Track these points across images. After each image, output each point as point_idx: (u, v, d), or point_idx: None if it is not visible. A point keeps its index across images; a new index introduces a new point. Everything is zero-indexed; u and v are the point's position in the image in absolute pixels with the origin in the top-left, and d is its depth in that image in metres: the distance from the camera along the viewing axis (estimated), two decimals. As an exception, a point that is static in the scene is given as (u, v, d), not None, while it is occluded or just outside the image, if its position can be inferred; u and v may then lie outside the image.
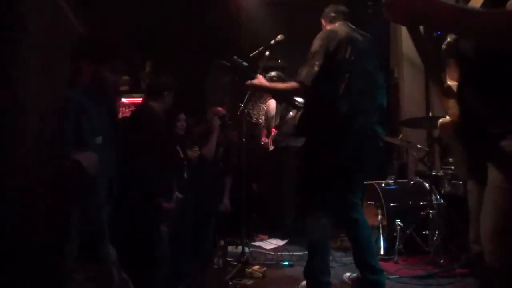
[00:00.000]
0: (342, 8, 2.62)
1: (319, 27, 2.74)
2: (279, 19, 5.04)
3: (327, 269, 2.43)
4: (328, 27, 2.56)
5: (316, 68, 2.32)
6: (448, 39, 1.31)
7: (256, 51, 3.11)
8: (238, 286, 2.83)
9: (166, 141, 2.77)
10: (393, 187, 3.77)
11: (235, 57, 2.86)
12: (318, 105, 2.42)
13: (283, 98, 2.91)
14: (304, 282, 2.68)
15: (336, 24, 2.53)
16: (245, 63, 2.82)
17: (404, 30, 4.87)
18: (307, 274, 2.46)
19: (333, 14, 2.60)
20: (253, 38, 4.98)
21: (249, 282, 2.88)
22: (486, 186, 1.20)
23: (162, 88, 2.84)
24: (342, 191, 2.47)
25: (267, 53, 3.07)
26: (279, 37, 3.09)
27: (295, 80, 2.41)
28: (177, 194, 2.84)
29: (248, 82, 2.63)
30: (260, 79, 2.62)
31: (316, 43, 2.38)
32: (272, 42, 3.08)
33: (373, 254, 2.48)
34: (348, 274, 2.91)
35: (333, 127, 2.36)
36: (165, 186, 2.67)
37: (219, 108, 4.06)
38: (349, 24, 2.55)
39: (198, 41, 5.50)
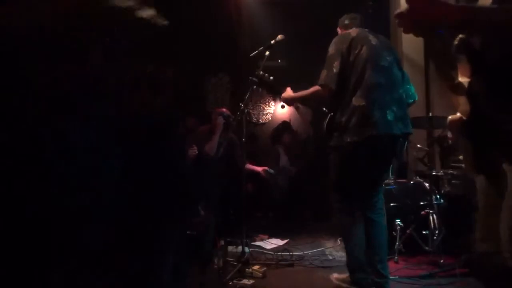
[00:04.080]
0: (355, 15, 2.73)
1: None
2: (279, 19, 5.03)
3: (362, 265, 2.47)
4: (347, 31, 2.63)
5: (335, 70, 2.41)
6: (460, 36, 1.29)
7: (256, 51, 3.11)
8: (238, 286, 2.82)
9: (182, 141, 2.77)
10: (393, 187, 3.76)
11: (262, 72, 2.94)
12: (338, 103, 2.46)
13: (312, 103, 2.96)
14: (335, 275, 2.84)
15: (351, 29, 2.61)
16: (271, 77, 2.90)
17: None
18: (353, 268, 2.53)
19: (346, 22, 2.71)
20: (253, 38, 4.98)
21: (249, 282, 2.87)
22: (508, 185, 1.18)
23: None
24: (359, 188, 2.50)
25: (267, 53, 3.08)
26: (279, 37, 3.10)
27: (317, 84, 2.48)
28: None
29: (282, 96, 2.75)
30: (288, 91, 2.73)
31: (331, 48, 2.49)
32: (272, 42, 3.09)
33: (382, 258, 2.49)
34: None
35: (350, 122, 2.36)
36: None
37: (224, 109, 4.09)
38: (364, 29, 2.61)
39: (198, 41, 5.50)
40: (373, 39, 2.49)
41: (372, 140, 2.32)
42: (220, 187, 3.96)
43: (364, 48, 2.42)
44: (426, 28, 1.13)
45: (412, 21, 1.08)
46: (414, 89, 2.67)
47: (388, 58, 2.47)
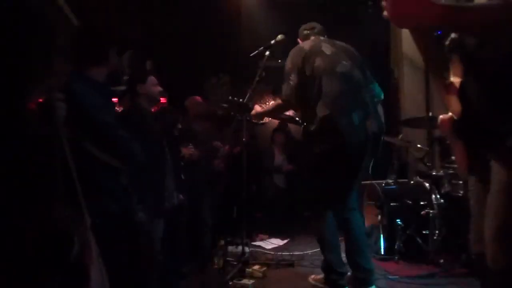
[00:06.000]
0: (314, 24, 2.81)
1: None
2: (279, 19, 5.03)
3: (334, 266, 2.59)
4: (301, 44, 2.71)
5: (291, 83, 2.54)
6: (452, 35, 1.29)
7: (256, 51, 3.11)
8: (238, 286, 2.82)
9: (155, 138, 2.74)
10: (393, 187, 3.76)
11: (230, 97, 3.16)
12: (306, 114, 2.57)
13: (280, 115, 3.18)
14: (313, 276, 2.89)
15: (307, 40, 2.69)
16: (240, 100, 3.09)
17: (404, 30, 4.87)
18: (326, 270, 2.63)
19: (306, 32, 2.80)
20: (253, 38, 4.98)
21: (249, 282, 2.87)
22: (490, 186, 1.18)
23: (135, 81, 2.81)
24: (333, 191, 2.53)
25: (267, 53, 3.07)
26: (279, 37, 3.09)
27: (279, 97, 2.68)
28: (178, 195, 2.85)
29: (251, 114, 3.02)
30: (256, 109, 3.02)
31: (288, 61, 2.62)
32: (272, 42, 3.08)
33: (363, 253, 2.55)
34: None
35: (319, 132, 2.44)
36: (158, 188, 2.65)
37: (197, 97, 3.97)
38: (322, 37, 2.72)
39: (198, 40, 5.50)
40: (327, 49, 2.55)
41: (341, 147, 2.40)
42: (218, 187, 3.95)
43: (318, 59, 2.49)
44: (410, 23, 1.13)
45: (394, 15, 1.08)
46: (379, 88, 2.64)
47: (345, 63, 2.51)
